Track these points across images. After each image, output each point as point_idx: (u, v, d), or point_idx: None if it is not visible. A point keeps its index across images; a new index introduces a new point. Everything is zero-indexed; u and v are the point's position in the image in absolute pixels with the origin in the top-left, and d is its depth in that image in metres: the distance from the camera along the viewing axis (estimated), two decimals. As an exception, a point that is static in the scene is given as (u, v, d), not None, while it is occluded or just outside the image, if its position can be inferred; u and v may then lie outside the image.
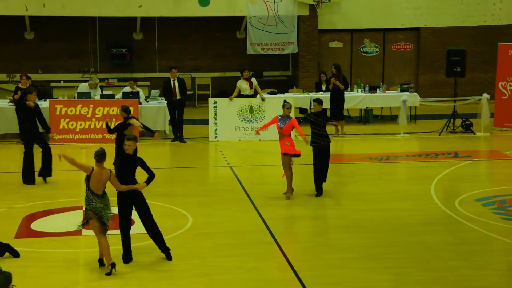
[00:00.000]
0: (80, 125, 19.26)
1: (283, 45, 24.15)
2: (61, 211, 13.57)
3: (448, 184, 15.44)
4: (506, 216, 13.02)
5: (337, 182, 15.25)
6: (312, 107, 13.78)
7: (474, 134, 20.29)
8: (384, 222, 12.77)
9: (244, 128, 19.67)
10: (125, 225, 10.68)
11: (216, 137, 19.64)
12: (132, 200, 10.61)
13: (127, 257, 10.71)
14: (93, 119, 19.22)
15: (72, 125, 19.29)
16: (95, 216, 10.29)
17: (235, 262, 10.79)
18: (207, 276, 10.31)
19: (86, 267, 10.69)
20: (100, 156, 10.26)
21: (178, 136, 19.48)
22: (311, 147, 13.92)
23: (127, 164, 10.54)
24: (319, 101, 14.00)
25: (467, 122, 20.55)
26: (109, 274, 10.18)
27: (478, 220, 12.78)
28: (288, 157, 13.62)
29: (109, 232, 10.43)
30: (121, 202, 10.63)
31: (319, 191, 13.98)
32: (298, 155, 13.67)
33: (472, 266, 10.71)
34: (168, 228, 11.96)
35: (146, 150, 18.96)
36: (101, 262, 10.51)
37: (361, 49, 25.18)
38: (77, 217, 13.02)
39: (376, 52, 25.21)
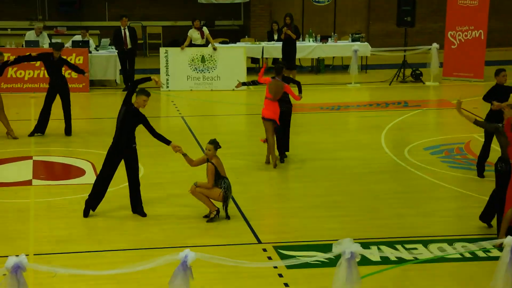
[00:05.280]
0: (29, 74, 18.95)
1: (235, -7, 23.96)
2: (11, 161, 13.44)
3: (398, 133, 15.66)
4: (453, 164, 13.29)
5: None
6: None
7: (424, 83, 20.52)
8: (334, 171, 12.93)
9: (195, 78, 19.58)
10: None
11: (167, 86, 19.53)
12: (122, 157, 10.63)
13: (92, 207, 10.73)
14: (42, 68, 18.82)
15: (20, 74, 18.96)
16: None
17: (186, 212, 10.86)
18: (158, 226, 10.37)
19: (37, 217, 10.66)
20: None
21: (129, 85, 19.29)
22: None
23: (134, 119, 10.46)
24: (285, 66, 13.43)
25: (417, 72, 20.76)
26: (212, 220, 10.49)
27: (426, 168, 13.02)
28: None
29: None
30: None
31: (281, 158, 13.35)
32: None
33: (419, 214, 10.95)
34: (120, 178, 11.92)
35: (96, 100, 18.82)
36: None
37: (313, -2, 25.08)
38: (27, 167, 12.95)
39: (328, 1, 25.11)
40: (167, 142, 10.63)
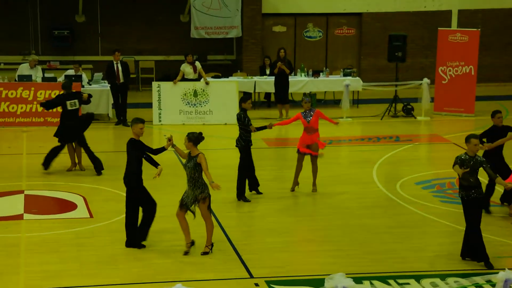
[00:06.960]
0: (21, 108, 18.96)
1: (227, 29, 24.12)
2: (2, 195, 13.39)
3: (390, 168, 15.69)
4: (445, 199, 13.31)
5: (281, 166, 15.36)
6: (243, 105, 13.50)
7: (415, 118, 20.62)
8: (326, 206, 12.93)
9: (188, 112, 19.64)
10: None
11: (160, 120, 19.57)
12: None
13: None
14: (34, 102, 18.91)
15: (13, 108, 18.97)
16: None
17: (178, 246, 10.81)
18: (150, 260, 10.33)
19: (27, 252, 10.60)
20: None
21: (121, 119, 19.35)
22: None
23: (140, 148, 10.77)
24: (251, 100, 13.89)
25: (408, 107, 20.86)
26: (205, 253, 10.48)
27: (418, 203, 13.03)
28: (303, 155, 13.44)
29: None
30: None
31: (242, 197, 13.25)
32: (315, 156, 13.43)
33: (411, 248, 10.95)
34: (111, 212, 11.93)
35: (89, 134, 18.77)
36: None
37: (304, 33, 25.28)
38: (19, 201, 12.90)
39: (319, 36, 25.34)
40: (162, 149, 11.16)
